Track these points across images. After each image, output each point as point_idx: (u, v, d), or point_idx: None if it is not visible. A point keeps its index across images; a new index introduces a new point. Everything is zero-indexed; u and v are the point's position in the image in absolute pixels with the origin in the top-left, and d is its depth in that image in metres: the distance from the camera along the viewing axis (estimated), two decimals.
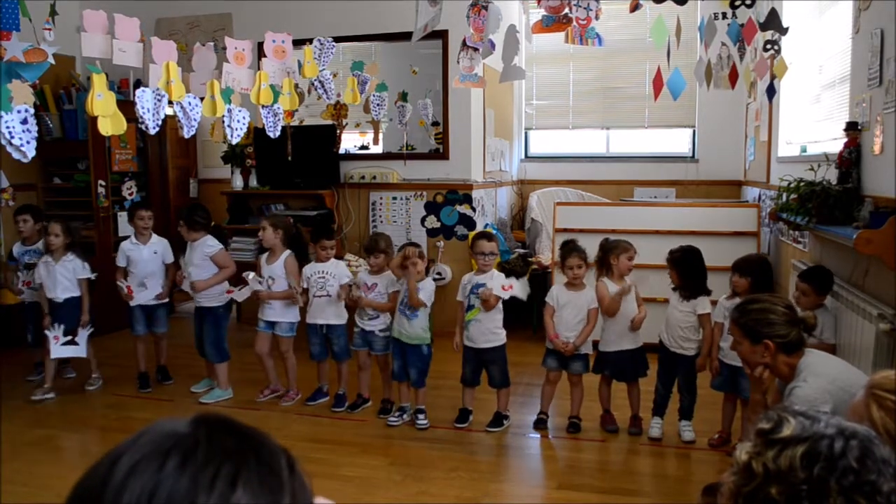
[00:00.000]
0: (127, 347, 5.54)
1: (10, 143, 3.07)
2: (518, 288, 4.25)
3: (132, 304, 5.08)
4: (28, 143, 3.09)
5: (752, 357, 2.63)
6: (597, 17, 4.06)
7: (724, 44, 4.93)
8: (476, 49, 4.48)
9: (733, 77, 4.98)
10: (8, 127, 3.09)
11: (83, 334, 5.01)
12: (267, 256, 4.87)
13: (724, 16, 4.89)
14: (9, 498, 3.60)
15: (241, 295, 4.83)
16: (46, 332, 4.87)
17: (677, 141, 7.70)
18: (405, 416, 4.50)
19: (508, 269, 5.87)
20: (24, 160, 3.12)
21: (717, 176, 7.32)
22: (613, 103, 7.77)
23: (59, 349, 4.87)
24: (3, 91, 3.07)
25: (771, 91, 4.86)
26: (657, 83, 4.80)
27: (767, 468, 1.08)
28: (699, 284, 4.12)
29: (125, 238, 5.37)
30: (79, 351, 4.99)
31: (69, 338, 4.89)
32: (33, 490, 3.68)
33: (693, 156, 7.57)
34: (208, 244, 4.91)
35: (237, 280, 4.94)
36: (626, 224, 5.81)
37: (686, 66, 5.20)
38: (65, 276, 5.00)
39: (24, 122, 3.11)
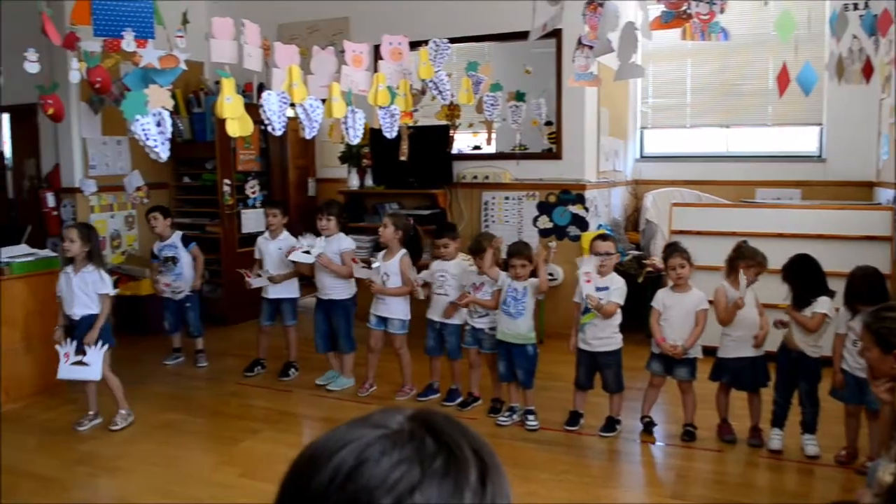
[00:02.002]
0: (252, 339, 5.81)
1: (146, 145, 3.27)
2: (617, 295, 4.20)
3: (251, 288, 5.39)
4: (162, 144, 3.29)
5: (881, 366, 2.51)
6: (721, 11, 3.91)
7: (855, 36, 4.67)
8: (591, 47, 4.42)
9: (867, 71, 4.70)
10: (144, 129, 3.29)
11: (94, 353, 4.34)
12: (383, 254, 4.98)
13: (857, 6, 4.63)
14: (142, 475, 3.84)
15: (360, 271, 4.95)
16: (58, 347, 4.37)
17: (803, 139, 7.33)
18: (515, 416, 4.49)
19: (621, 271, 5.77)
20: (160, 160, 3.32)
21: (846, 176, 6.92)
22: (734, 100, 7.48)
23: (67, 369, 4.34)
24: (140, 95, 3.27)
25: None
26: (782, 78, 4.60)
27: None
28: (816, 292, 3.92)
29: (250, 235, 5.69)
30: (90, 373, 4.34)
31: (79, 358, 4.33)
32: (161, 469, 3.92)
33: (820, 155, 7.19)
34: (345, 240, 5.18)
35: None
36: (747, 226, 5.59)
37: (812, 61, 4.95)
38: (83, 291, 4.41)
39: (159, 124, 3.31)
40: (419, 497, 0.65)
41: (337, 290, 5.14)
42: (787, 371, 4.03)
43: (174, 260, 5.65)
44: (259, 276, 5.40)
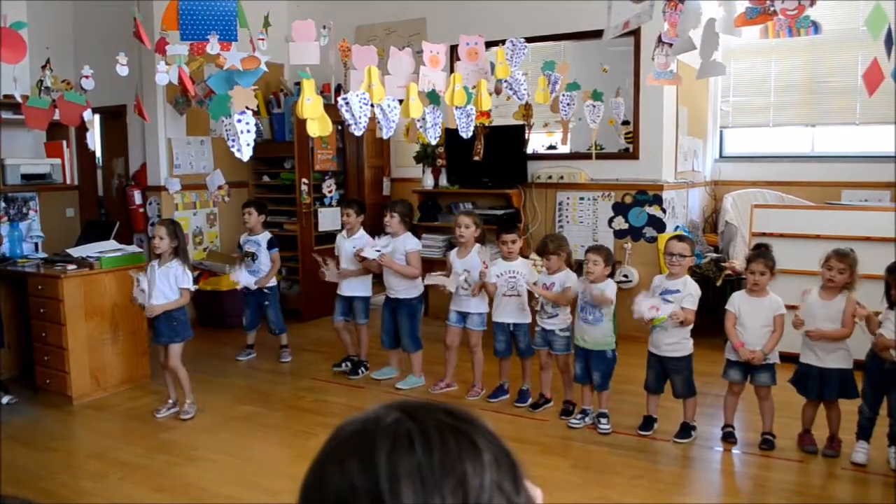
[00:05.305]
0: (327, 335, 5.91)
1: (232, 145, 3.37)
2: (666, 310, 4.06)
3: (325, 279, 5.48)
4: (246, 144, 3.38)
5: None
6: (811, 5, 3.77)
7: None
8: (670, 45, 4.33)
9: None
10: (228, 130, 3.39)
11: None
12: (458, 251, 5.00)
13: None
14: (220, 465, 3.96)
15: (434, 278, 4.94)
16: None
17: (893, 138, 7.01)
18: (587, 419, 4.45)
19: (700, 274, 5.66)
20: (243, 160, 3.41)
21: None
22: (820, 98, 7.21)
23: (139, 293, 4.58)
24: (225, 97, 3.37)
25: None
26: (870, 75, 4.40)
27: None
28: None
29: (326, 233, 5.79)
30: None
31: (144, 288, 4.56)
32: (239, 460, 4.03)
33: None
34: (411, 240, 5.22)
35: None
36: (832, 230, 5.39)
37: None
38: (164, 283, 4.57)
39: (238, 122, 3.41)
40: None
41: (403, 289, 5.18)
42: (876, 381, 3.85)
43: (253, 256, 5.79)
44: (332, 270, 5.49)
